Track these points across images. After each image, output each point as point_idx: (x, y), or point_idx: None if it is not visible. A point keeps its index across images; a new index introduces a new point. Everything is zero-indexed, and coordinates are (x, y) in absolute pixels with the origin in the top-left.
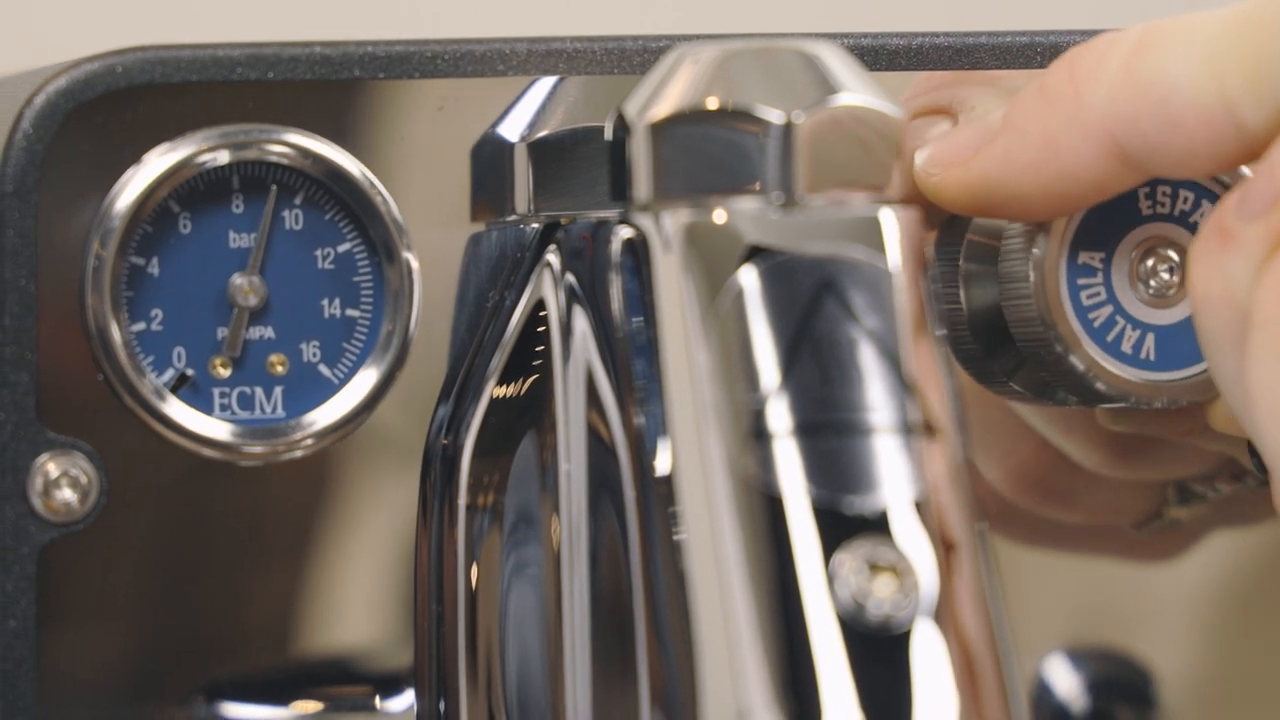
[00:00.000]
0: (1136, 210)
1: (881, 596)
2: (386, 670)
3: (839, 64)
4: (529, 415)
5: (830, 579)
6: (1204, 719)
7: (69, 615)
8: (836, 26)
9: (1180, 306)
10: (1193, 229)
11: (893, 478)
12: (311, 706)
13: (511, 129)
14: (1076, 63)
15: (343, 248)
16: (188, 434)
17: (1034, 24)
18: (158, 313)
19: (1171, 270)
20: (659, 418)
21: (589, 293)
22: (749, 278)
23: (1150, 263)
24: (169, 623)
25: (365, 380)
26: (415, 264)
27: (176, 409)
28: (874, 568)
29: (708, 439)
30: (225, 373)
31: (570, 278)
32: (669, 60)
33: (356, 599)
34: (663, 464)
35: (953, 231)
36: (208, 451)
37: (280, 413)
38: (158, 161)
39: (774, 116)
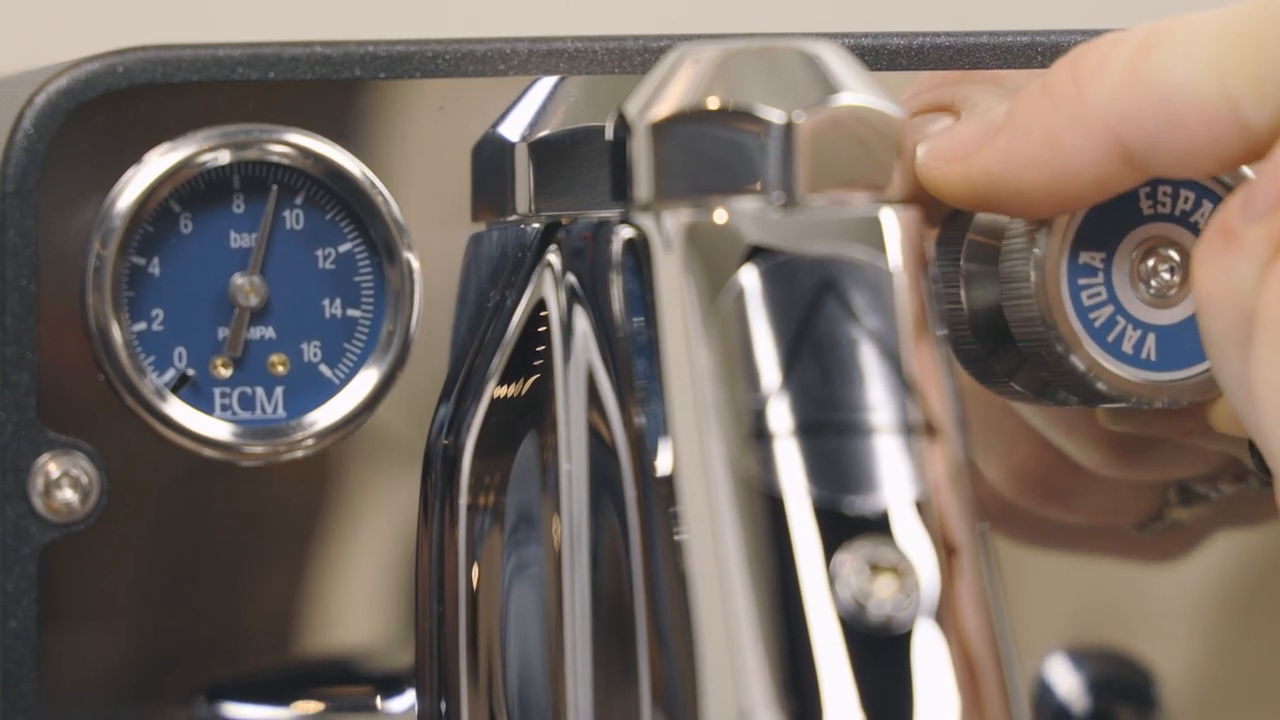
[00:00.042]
0: (1137, 210)
1: (882, 597)
2: (387, 670)
3: (840, 64)
4: (530, 415)
5: (831, 579)
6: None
7: (70, 615)
8: (837, 26)
9: (1181, 307)
10: (1194, 229)
11: (894, 478)
12: (312, 707)
13: (512, 129)
14: (1080, 62)
15: (344, 248)
16: (189, 434)
17: (1035, 24)
18: (159, 313)
19: (1172, 270)
20: (660, 418)
21: (590, 293)
22: (750, 277)
23: (1151, 263)
24: (170, 623)
25: (366, 380)
26: (416, 264)
27: (177, 409)
28: (875, 568)
29: (709, 439)
30: (226, 373)
31: (571, 278)
32: (670, 60)
33: (357, 599)
34: (664, 464)
35: (953, 231)
36: (209, 452)
37: (281, 413)
38: (159, 161)
39: (775, 116)
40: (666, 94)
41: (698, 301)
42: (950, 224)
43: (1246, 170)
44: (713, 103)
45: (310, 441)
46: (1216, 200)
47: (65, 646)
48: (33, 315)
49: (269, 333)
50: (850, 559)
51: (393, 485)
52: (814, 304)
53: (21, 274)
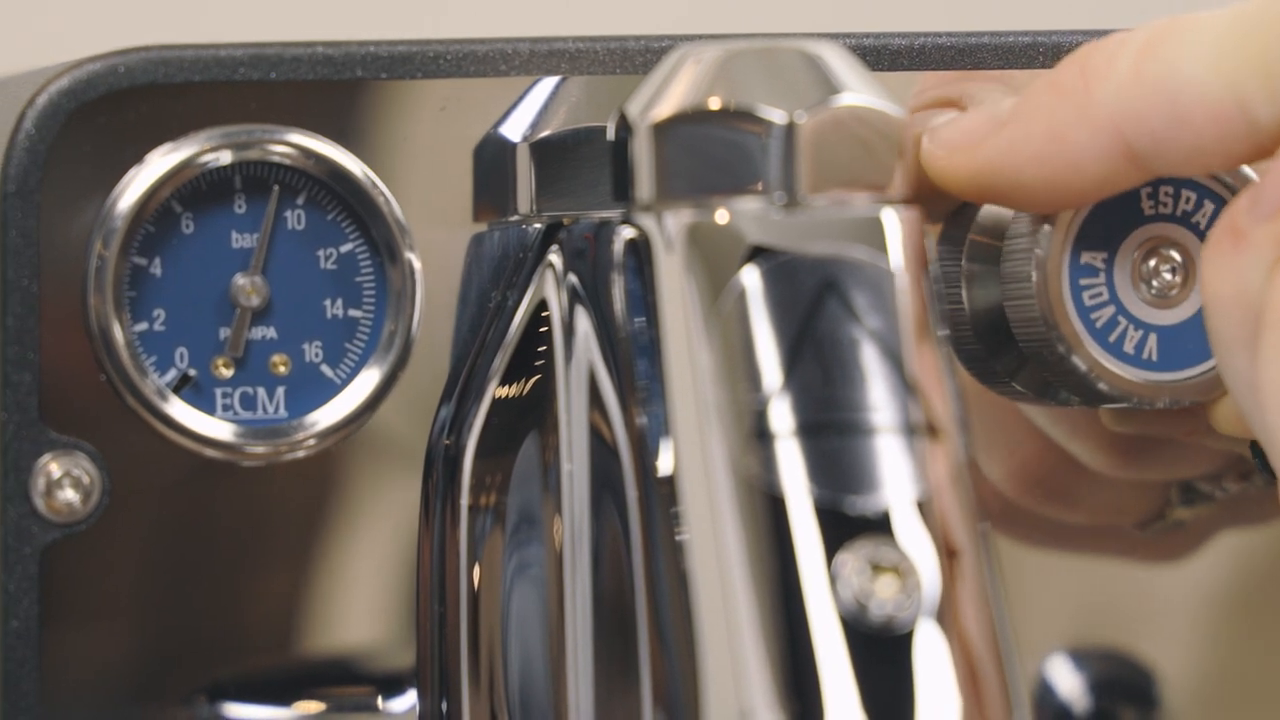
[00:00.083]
0: (1139, 210)
1: (884, 597)
2: (389, 670)
3: (841, 64)
4: (531, 415)
5: (832, 579)
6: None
7: (71, 615)
8: (839, 26)
9: (1182, 307)
10: (1195, 229)
11: (895, 478)
12: (314, 707)
13: (514, 129)
14: (1088, 59)
15: (345, 248)
16: (190, 434)
17: (1037, 24)
18: (160, 313)
19: (1174, 270)
20: (661, 418)
21: (591, 293)
22: (751, 278)
23: (1153, 263)
24: (171, 623)
25: (367, 380)
26: (417, 264)
27: (179, 409)
28: (876, 568)
29: (710, 439)
30: (228, 373)
31: (572, 278)
32: (671, 60)
33: (359, 599)
34: (665, 464)
35: (955, 231)
36: (210, 452)
37: (282, 413)
38: (160, 161)
39: (776, 116)
40: (668, 94)
41: (699, 302)
42: (952, 224)
43: (1249, 171)
44: (714, 103)
45: (312, 442)
46: (1218, 200)
47: (66, 646)
48: (34, 315)
49: (270, 333)
50: (852, 559)
51: (394, 485)
52: (815, 304)
53: (23, 274)
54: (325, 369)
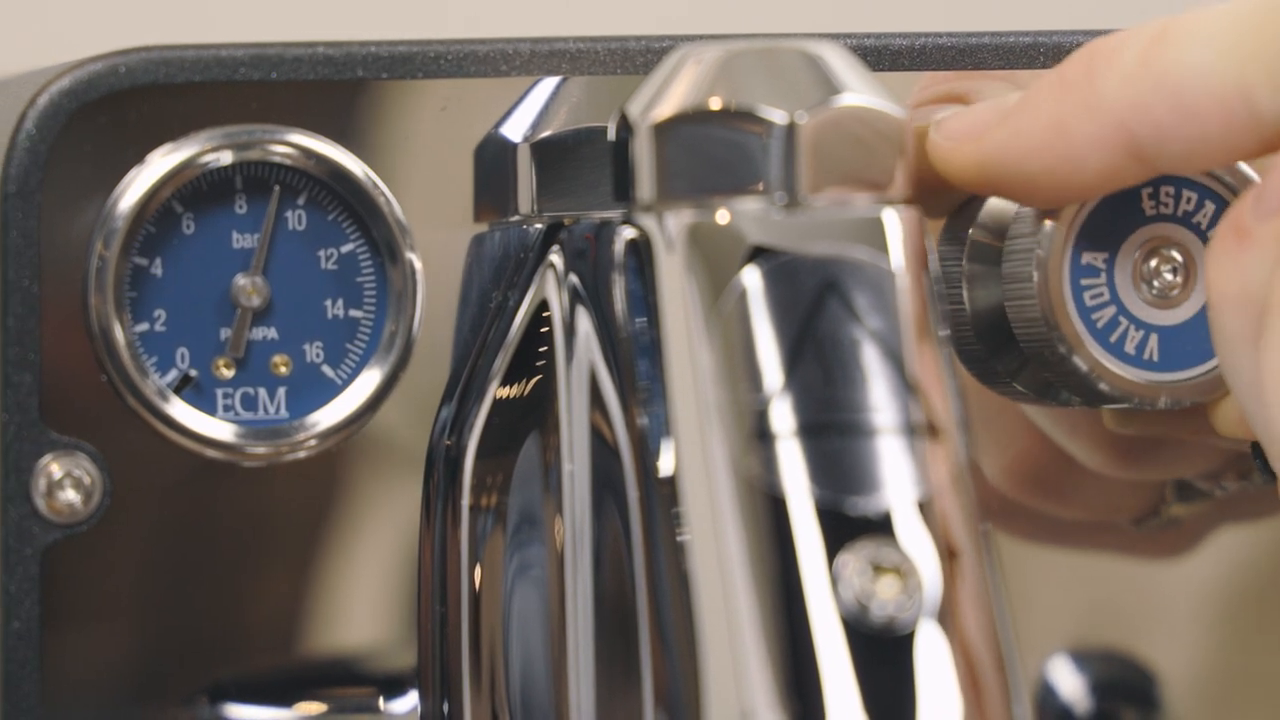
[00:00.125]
0: (1140, 211)
1: (885, 598)
2: (390, 671)
3: (842, 64)
4: (532, 416)
5: (834, 580)
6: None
7: (72, 616)
8: (839, 27)
9: (1183, 307)
10: (1196, 229)
11: (896, 479)
12: (315, 708)
13: (515, 129)
14: (1094, 53)
15: (346, 248)
16: (191, 435)
17: (1038, 24)
18: (161, 313)
19: (1175, 271)
20: (662, 418)
21: (592, 293)
22: (752, 278)
23: (1154, 263)
24: (172, 624)
25: (368, 381)
26: (418, 264)
27: (180, 410)
28: (877, 569)
29: (711, 440)
30: (228, 373)
31: (573, 278)
32: (672, 60)
33: (360, 600)
34: (666, 465)
35: (956, 231)
36: (211, 452)
37: (283, 413)
38: (161, 162)
39: (777, 117)
40: (669, 94)
41: (700, 302)
42: (953, 224)
43: (1250, 172)
44: (715, 103)
45: (312, 442)
46: (1219, 201)
47: (67, 647)
48: (35, 316)
49: (271, 333)
50: (853, 560)
51: (395, 486)
52: (816, 304)
53: (24, 275)
54: (326, 369)
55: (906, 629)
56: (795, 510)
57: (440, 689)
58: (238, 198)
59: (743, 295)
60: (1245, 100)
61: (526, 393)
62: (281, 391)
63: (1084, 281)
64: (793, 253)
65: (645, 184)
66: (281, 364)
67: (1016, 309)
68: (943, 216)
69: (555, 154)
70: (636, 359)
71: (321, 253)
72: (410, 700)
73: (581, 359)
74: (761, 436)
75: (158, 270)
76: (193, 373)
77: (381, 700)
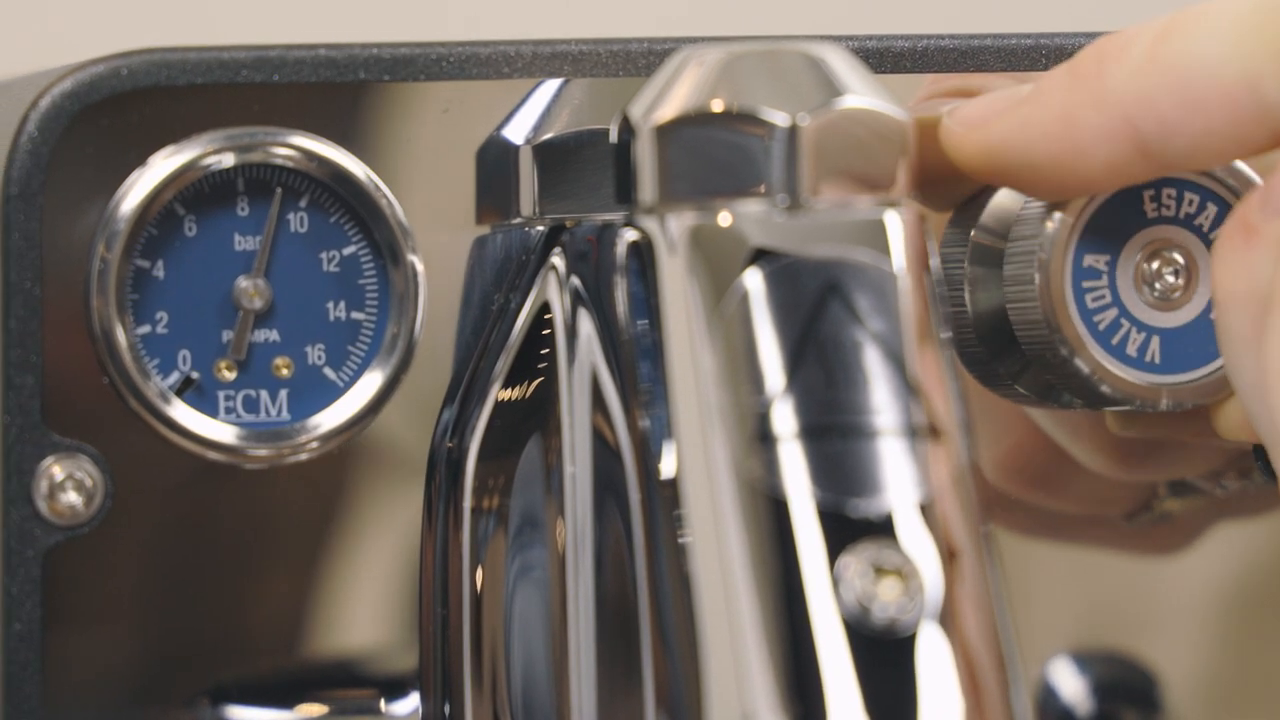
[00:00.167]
0: (1142, 213)
1: (886, 600)
2: (392, 673)
3: (844, 66)
4: (534, 418)
5: (835, 582)
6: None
7: (74, 618)
8: (841, 29)
9: (1185, 309)
10: (1198, 231)
11: (898, 481)
12: (316, 710)
13: (517, 131)
14: (1105, 45)
15: (348, 250)
16: (193, 437)
17: (1039, 26)
18: (163, 315)
19: (1177, 273)
20: (664, 420)
21: (594, 295)
22: (754, 280)
23: (1155, 265)
24: (174, 626)
25: (370, 383)
26: (420, 267)
27: (181, 412)
28: (879, 571)
29: (713, 442)
30: (230, 375)
31: (575, 280)
32: (674, 63)
33: (361, 602)
34: (668, 467)
35: (958, 234)
36: (213, 454)
37: (285, 416)
38: (163, 164)
39: (779, 119)
40: (671, 97)
41: (702, 304)
42: (955, 225)
43: (1251, 173)
44: (717, 105)
45: (314, 444)
46: (1221, 203)
47: (69, 649)
48: (37, 318)
49: (273, 335)
50: (854, 562)
51: (397, 488)
52: (818, 307)
53: (26, 277)
54: (328, 372)
55: (908, 631)
56: (797, 512)
57: (442, 691)
58: (240, 200)
59: (744, 297)
60: (1252, 92)
61: (528, 395)
62: (283, 394)
63: (1086, 284)
64: (794, 255)
65: (647, 186)
66: (283, 366)
67: (1018, 311)
68: (950, 209)
69: (557, 156)
70: (638, 361)
71: (323, 255)
72: (412, 702)
73: (583, 361)
74: (763, 438)
75: (160, 272)
76: (194, 375)
77: (383, 702)
